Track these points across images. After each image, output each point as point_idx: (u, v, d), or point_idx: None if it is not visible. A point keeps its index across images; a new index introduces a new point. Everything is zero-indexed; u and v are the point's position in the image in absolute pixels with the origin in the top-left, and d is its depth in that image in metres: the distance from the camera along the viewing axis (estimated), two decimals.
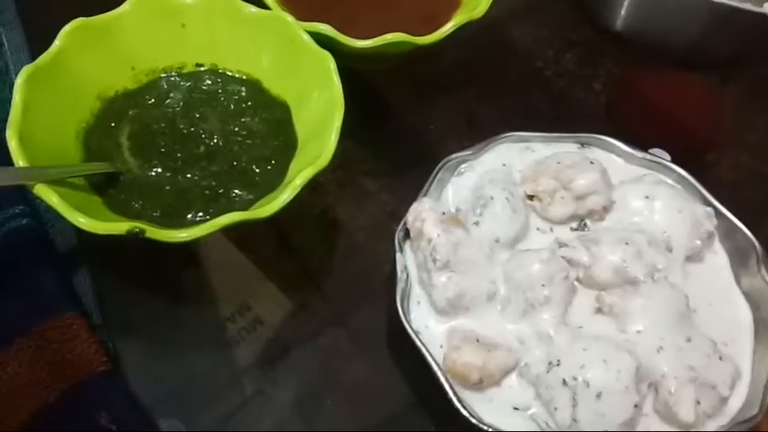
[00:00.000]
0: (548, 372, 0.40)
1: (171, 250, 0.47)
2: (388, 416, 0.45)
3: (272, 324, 0.47)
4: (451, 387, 0.40)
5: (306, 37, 0.47)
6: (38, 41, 0.47)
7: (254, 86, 0.50)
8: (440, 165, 0.48)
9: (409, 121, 0.57)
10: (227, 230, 0.48)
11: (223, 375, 0.45)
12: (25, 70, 0.43)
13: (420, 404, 0.45)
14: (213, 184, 0.46)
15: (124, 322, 0.46)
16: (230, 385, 0.45)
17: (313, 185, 0.51)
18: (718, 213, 0.47)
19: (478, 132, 0.50)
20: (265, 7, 0.50)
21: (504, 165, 0.49)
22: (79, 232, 0.40)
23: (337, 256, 0.50)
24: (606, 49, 0.62)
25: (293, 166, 0.47)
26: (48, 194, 0.40)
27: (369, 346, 0.47)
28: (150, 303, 0.47)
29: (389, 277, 0.45)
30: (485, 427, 0.39)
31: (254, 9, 0.49)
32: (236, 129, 0.49)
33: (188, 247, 0.49)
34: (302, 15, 0.49)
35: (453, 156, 0.48)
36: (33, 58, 0.45)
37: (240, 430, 0.43)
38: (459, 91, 0.59)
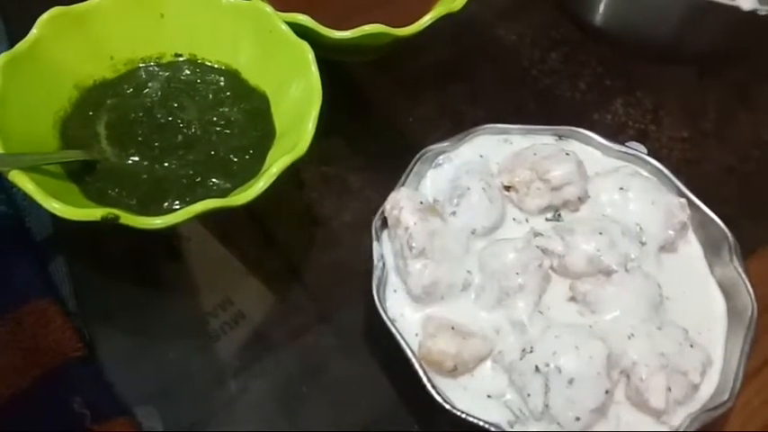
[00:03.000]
0: (521, 359, 0.41)
1: (153, 242, 0.47)
2: (369, 406, 0.45)
3: (255, 319, 0.47)
4: (426, 374, 0.40)
5: (284, 27, 0.48)
6: (18, 32, 0.46)
7: (232, 76, 0.50)
8: (417, 156, 0.48)
9: (393, 116, 0.58)
10: (209, 223, 0.48)
11: (202, 367, 0.45)
12: (2, 58, 0.43)
13: (398, 393, 0.45)
14: (190, 173, 0.46)
15: (101, 311, 0.45)
16: (210, 377, 0.45)
17: (295, 180, 0.52)
18: (691, 204, 0.47)
19: (462, 128, 0.50)
20: None
21: (481, 156, 0.49)
22: (56, 220, 0.40)
23: (320, 250, 0.50)
24: (589, 47, 0.62)
25: (271, 155, 0.47)
26: (23, 181, 0.40)
27: (350, 338, 0.47)
28: (130, 294, 0.47)
29: (370, 270, 0.45)
30: (458, 413, 0.39)
31: None
32: (215, 118, 0.49)
33: (171, 241, 0.48)
34: (284, 10, 0.49)
35: (431, 147, 0.49)
36: None
37: (219, 422, 0.43)
38: (445, 88, 0.59)
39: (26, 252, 0.44)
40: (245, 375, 0.45)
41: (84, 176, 0.45)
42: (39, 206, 0.40)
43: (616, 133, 0.57)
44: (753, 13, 0.53)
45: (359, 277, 0.46)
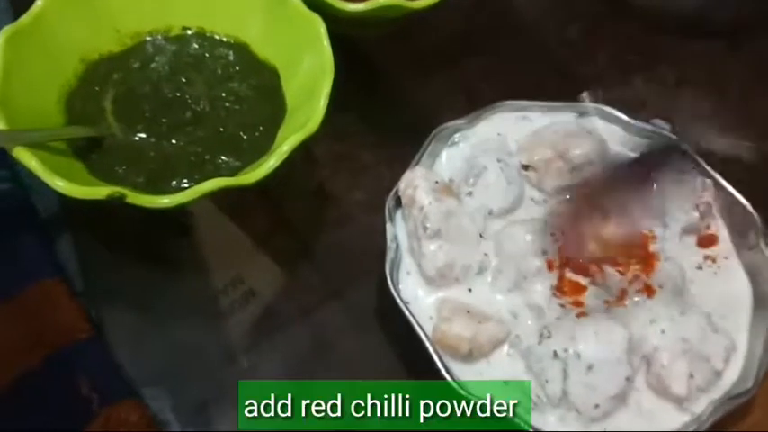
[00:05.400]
0: (539, 343, 0.40)
1: (162, 220, 0.47)
2: None
3: (266, 297, 0.46)
4: (440, 359, 0.40)
5: None
6: (22, 5, 0.45)
7: (242, 51, 0.49)
8: (432, 134, 0.47)
9: (408, 91, 0.56)
10: (219, 201, 0.48)
11: (212, 346, 0.45)
12: (5, 31, 0.42)
13: (411, 378, 0.44)
14: (199, 150, 0.45)
15: (109, 290, 0.45)
16: (220, 356, 0.44)
17: (308, 157, 0.51)
18: (717, 186, 0.46)
19: (479, 104, 0.49)
20: None
21: (498, 134, 0.48)
22: (62, 198, 0.40)
23: (331, 228, 0.50)
24: (611, 20, 0.60)
25: (281, 132, 0.46)
26: (27, 158, 0.39)
27: (362, 318, 0.46)
28: (138, 273, 0.46)
29: (382, 249, 0.44)
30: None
31: None
32: (224, 94, 0.47)
33: (180, 218, 0.48)
34: None
35: (447, 125, 0.47)
36: None
37: (228, 402, 0.43)
38: (461, 62, 0.58)
39: (32, 231, 0.44)
40: (255, 355, 0.44)
41: (90, 153, 0.44)
42: (44, 184, 0.39)
43: (638, 110, 0.56)
44: None
45: (371, 257, 0.45)
